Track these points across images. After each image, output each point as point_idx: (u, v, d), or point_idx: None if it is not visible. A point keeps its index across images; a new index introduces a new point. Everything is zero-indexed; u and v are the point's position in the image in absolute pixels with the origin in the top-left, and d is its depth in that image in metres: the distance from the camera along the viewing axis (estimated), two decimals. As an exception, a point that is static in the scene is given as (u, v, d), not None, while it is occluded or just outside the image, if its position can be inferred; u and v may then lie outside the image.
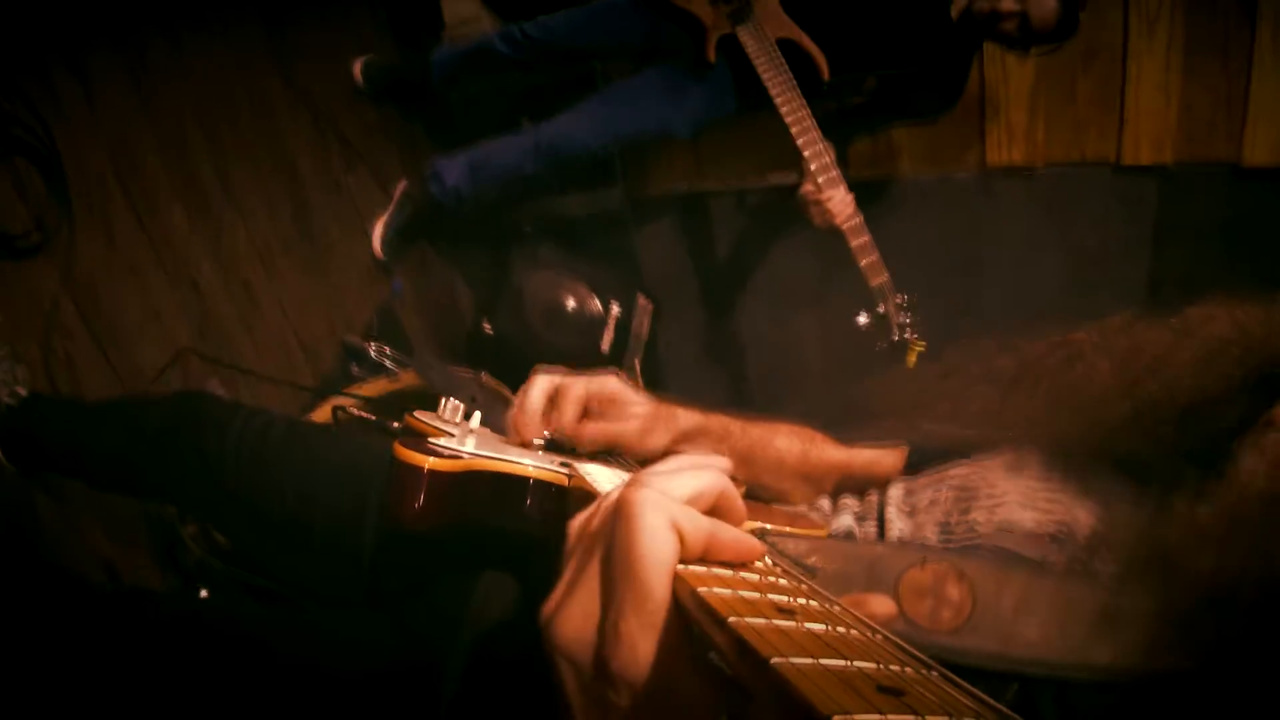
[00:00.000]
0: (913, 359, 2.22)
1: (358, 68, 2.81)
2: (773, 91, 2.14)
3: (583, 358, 2.80)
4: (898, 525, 0.88)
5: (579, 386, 0.93)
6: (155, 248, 2.02)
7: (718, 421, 1.04)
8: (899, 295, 2.17)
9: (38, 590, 1.24)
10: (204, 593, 1.66)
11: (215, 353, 2.11)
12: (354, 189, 2.78)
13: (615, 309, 2.93)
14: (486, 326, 2.82)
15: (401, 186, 2.87)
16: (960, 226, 3.12)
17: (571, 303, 2.87)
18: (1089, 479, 0.84)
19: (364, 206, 2.81)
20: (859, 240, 2.09)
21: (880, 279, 2.12)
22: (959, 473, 0.91)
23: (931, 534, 0.84)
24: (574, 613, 0.45)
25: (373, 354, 2.58)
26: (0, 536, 1.54)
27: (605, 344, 2.88)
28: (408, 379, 2.29)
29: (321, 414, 2.08)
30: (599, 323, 2.89)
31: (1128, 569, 0.72)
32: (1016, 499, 0.83)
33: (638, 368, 2.92)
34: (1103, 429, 0.83)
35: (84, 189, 1.87)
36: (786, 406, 3.54)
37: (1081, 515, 0.80)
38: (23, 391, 1.58)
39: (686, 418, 1.00)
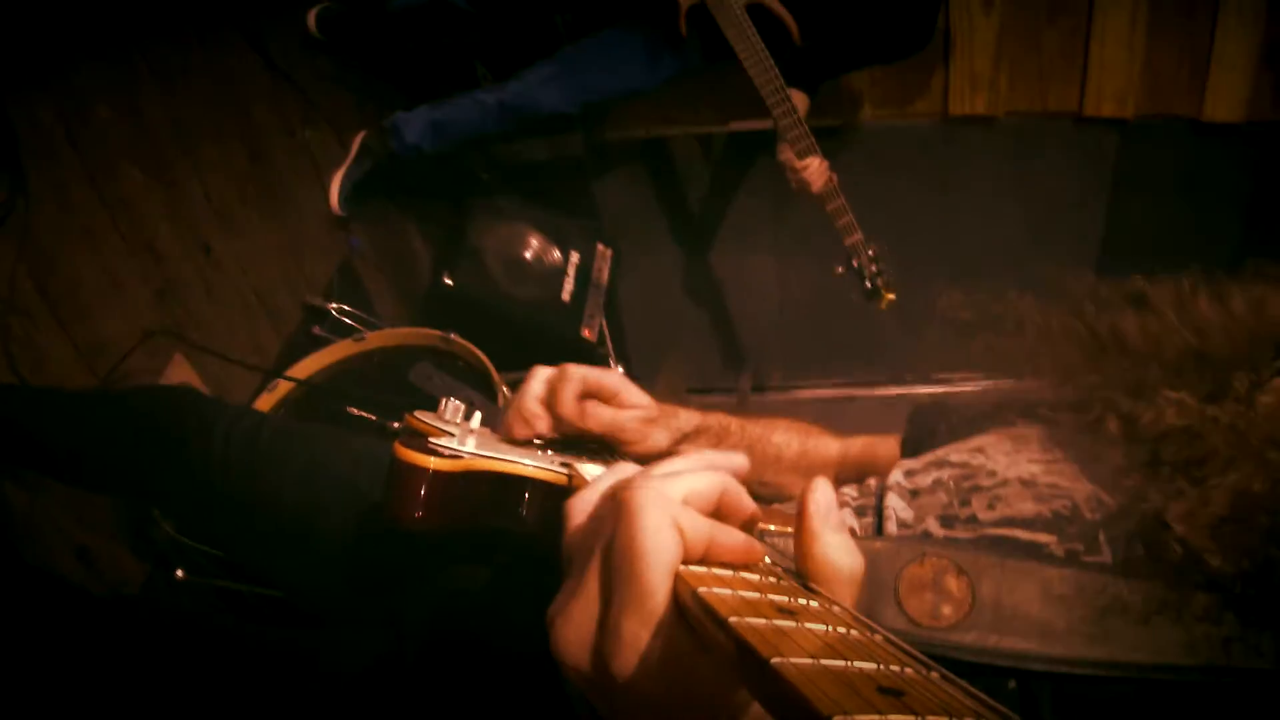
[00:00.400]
0: (884, 306, 2.26)
1: (312, 17, 2.72)
2: (745, 62, 2.11)
3: (545, 306, 2.78)
4: (898, 513, 0.88)
5: (579, 371, 0.91)
6: (110, 210, 1.94)
7: (716, 421, 1.04)
8: (870, 248, 2.19)
9: (18, 589, 1.22)
10: (179, 572, 1.63)
11: (176, 317, 2.05)
12: (312, 143, 2.69)
13: (575, 256, 2.90)
14: (447, 279, 2.78)
15: (359, 139, 2.79)
16: (922, 174, 3.13)
17: (530, 252, 2.84)
18: (1093, 452, 0.83)
19: (322, 161, 2.73)
20: (834, 204, 2.10)
21: (854, 238, 2.13)
22: (959, 456, 0.91)
23: (934, 525, 0.84)
24: (576, 613, 0.45)
25: (334, 314, 2.54)
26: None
27: (566, 293, 2.86)
28: (376, 339, 2.25)
29: (282, 388, 2.03)
30: (559, 271, 2.86)
31: (1131, 544, 0.72)
32: (1016, 482, 0.83)
33: (604, 325, 2.90)
34: (1140, 376, 0.81)
35: (33, 150, 1.77)
36: (747, 351, 3.58)
37: (1083, 492, 0.79)
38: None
39: (687, 418, 1.00)
